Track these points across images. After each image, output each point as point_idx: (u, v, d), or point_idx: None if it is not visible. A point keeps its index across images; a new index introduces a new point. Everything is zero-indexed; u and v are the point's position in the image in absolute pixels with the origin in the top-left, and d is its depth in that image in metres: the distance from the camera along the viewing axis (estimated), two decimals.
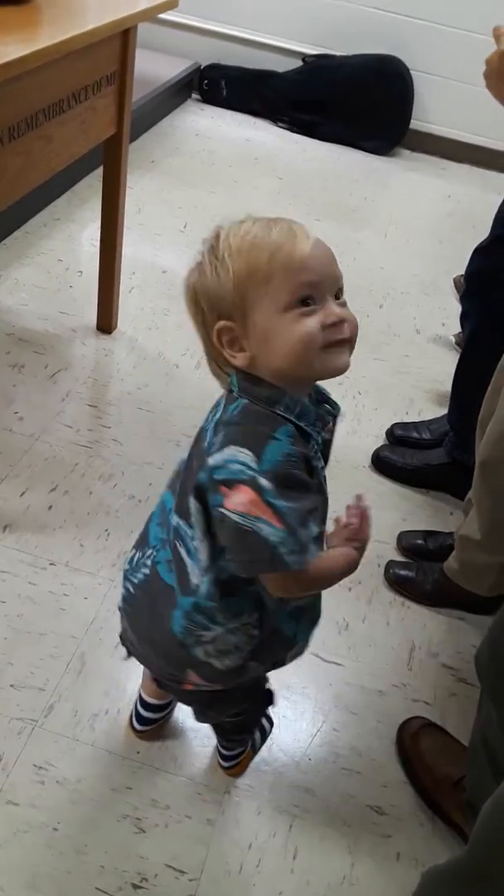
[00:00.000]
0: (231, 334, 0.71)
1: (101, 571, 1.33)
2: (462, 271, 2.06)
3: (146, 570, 0.84)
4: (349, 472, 1.66)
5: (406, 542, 1.50)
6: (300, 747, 1.16)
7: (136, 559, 0.87)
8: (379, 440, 1.75)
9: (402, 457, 1.68)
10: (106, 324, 1.89)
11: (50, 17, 1.29)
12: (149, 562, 0.83)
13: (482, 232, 1.47)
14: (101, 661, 1.20)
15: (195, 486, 0.73)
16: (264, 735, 1.15)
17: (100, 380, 1.78)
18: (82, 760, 1.08)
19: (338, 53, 3.34)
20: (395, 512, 1.59)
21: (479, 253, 1.47)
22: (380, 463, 1.68)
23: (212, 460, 0.69)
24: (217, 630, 0.79)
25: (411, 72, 3.30)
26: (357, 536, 0.78)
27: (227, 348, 0.72)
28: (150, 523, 0.86)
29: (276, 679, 1.23)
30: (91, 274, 1.92)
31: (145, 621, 0.85)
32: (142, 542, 0.87)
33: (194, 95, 3.52)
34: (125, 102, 1.59)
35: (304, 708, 1.21)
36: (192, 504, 0.74)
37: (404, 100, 3.35)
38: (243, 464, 0.67)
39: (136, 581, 0.85)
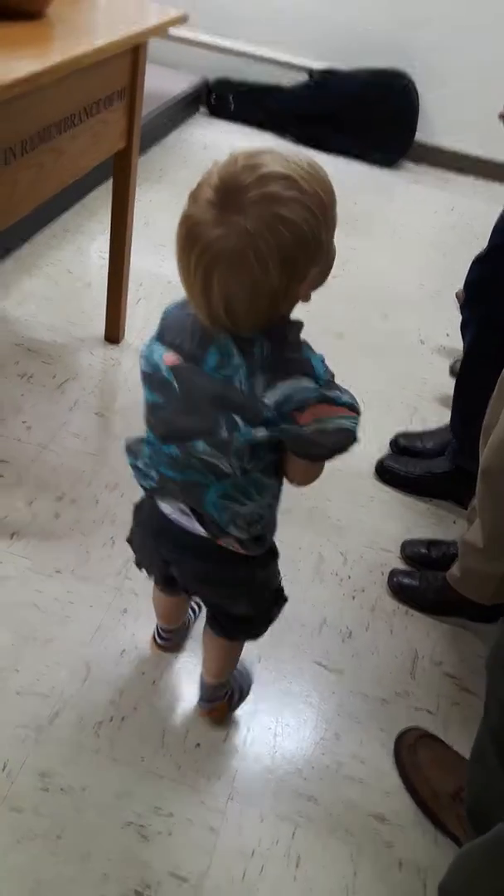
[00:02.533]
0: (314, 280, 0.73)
1: (106, 579, 1.34)
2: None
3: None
4: (352, 481, 1.66)
5: (409, 551, 1.51)
6: (303, 755, 1.17)
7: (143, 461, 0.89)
8: (382, 449, 1.76)
9: (405, 466, 1.69)
10: (113, 334, 1.91)
11: (62, 32, 1.32)
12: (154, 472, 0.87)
13: (485, 244, 1.48)
14: (106, 669, 1.21)
15: (253, 419, 0.74)
16: (242, 695, 1.21)
17: (107, 389, 1.80)
18: (86, 768, 1.09)
19: (344, 68, 3.37)
20: (398, 521, 1.60)
21: (478, 262, 1.48)
22: (383, 472, 1.69)
23: (270, 399, 0.73)
24: (250, 505, 0.84)
25: (416, 86, 3.33)
26: None
27: (305, 295, 0.74)
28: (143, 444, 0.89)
29: (279, 687, 1.24)
30: (99, 285, 1.94)
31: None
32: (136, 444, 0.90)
33: (202, 109, 3.56)
34: (135, 117, 1.62)
35: (307, 716, 1.22)
36: (244, 428, 0.75)
37: (409, 113, 3.38)
38: (305, 388, 0.73)
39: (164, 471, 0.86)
